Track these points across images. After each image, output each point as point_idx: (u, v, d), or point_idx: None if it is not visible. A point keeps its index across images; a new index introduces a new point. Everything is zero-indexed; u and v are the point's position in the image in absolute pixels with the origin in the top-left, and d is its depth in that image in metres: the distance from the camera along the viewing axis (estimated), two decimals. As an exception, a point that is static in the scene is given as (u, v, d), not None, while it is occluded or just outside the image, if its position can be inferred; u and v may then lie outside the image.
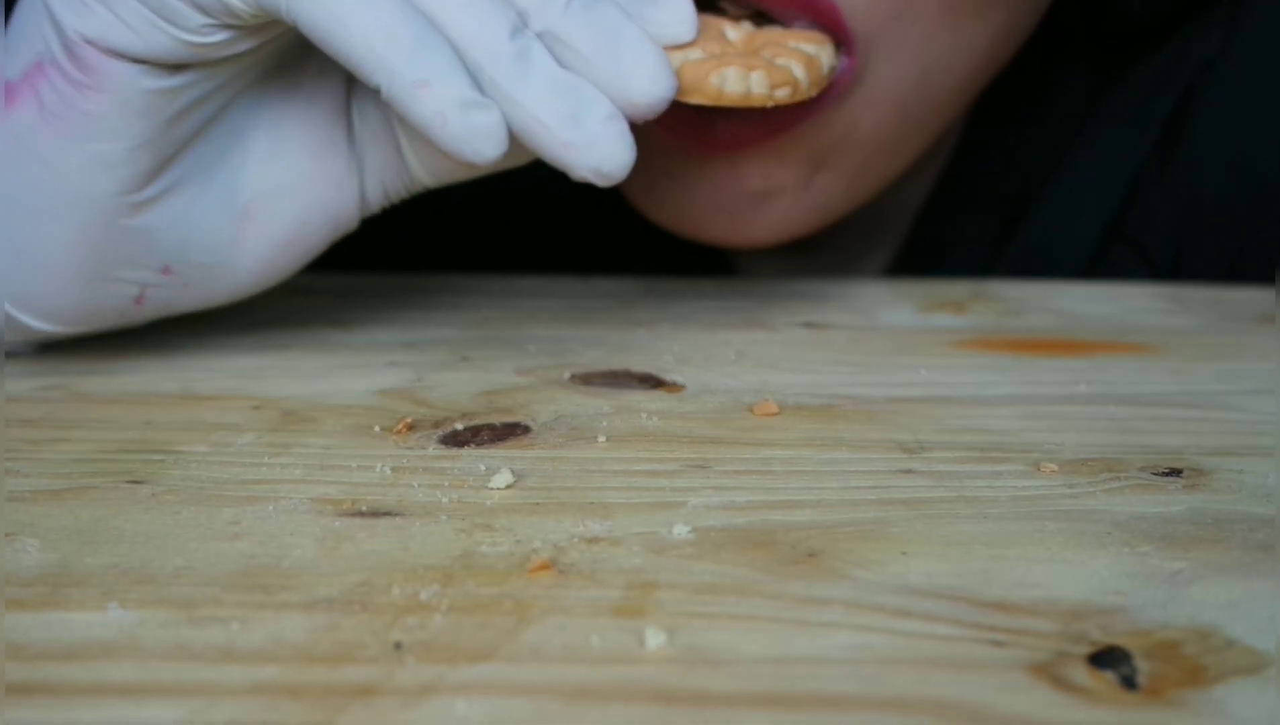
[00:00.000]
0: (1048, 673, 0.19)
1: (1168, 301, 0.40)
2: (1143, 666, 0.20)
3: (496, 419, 0.29)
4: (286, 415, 0.29)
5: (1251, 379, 0.32)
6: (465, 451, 0.27)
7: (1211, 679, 0.19)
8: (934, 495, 0.25)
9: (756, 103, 0.31)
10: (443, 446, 0.27)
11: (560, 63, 0.27)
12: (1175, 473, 0.26)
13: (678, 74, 0.29)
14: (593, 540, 0.23)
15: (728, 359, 0.33)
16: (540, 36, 0.27)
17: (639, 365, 0.32)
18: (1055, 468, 0.26)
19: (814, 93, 0.32)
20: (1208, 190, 0.45)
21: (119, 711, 0.18)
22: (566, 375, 0.32)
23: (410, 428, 0.28)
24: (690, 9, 0.30)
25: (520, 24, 0.27)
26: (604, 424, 0.29)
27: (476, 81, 0.26)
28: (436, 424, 0.28)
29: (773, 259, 0.46)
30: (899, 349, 0.34)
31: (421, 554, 0.23)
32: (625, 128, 0.27)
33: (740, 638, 0.20)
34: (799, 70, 0.31)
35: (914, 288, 0.41)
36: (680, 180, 0.36)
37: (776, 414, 0.29)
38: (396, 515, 0.24)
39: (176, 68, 0.27)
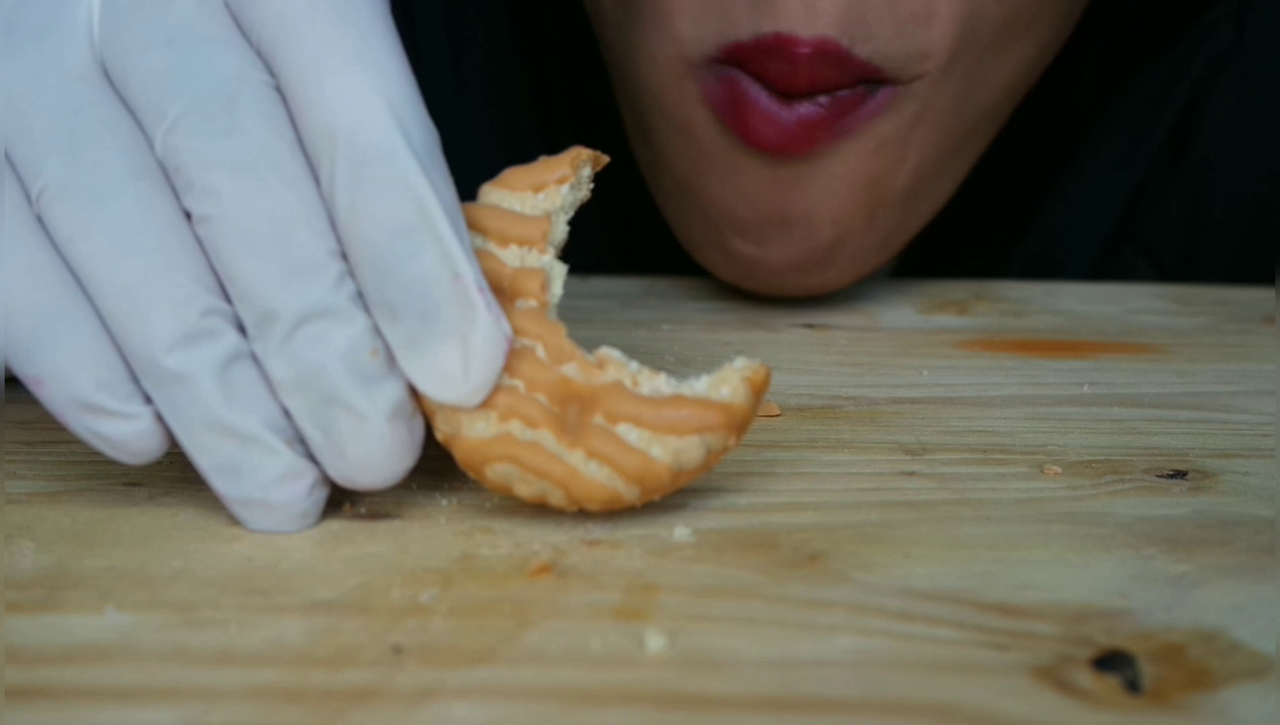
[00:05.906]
0: (1051, 676, 0.19)
1: (1172, 302, 0.39)
2: (1147, 670, 0.19)
3: (497, 420, 0.29)
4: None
5: (1256, 380, 0.32)
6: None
7: (1216, 683, 0.19)
8: (937, 497, 0.25)
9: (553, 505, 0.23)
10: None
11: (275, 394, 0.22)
12: (1180, 475, 0.26)
13: (450, 443, 0.23)
14: (593, 543, 0.23)
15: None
16: (257, 359, 0.22)
17: (640, 366, 0.32)
18: (1059, 470, 0.26)
19: (637, 504, 0.23)
20: (1217, 191, 0.44)
21: (116, 715, 0.18)
22: (567, 376, 0.32)
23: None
24: (480, 363, 0.22)
25: (214, 329, 0.22)
26: (605, 425, 0.28)
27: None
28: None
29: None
30: (901, 350, 0.34)
31: (421, 556, 0.22)
32: (300, 491, 0.23)
33: (741, 641, 0.20)
34: (610, 476, 0.22)
35: (916, 288, 0.40)
36: (754, 239, 0.35)
37: (778, 415, 0.29)
38: (395, 518, 0.24)
39: None
